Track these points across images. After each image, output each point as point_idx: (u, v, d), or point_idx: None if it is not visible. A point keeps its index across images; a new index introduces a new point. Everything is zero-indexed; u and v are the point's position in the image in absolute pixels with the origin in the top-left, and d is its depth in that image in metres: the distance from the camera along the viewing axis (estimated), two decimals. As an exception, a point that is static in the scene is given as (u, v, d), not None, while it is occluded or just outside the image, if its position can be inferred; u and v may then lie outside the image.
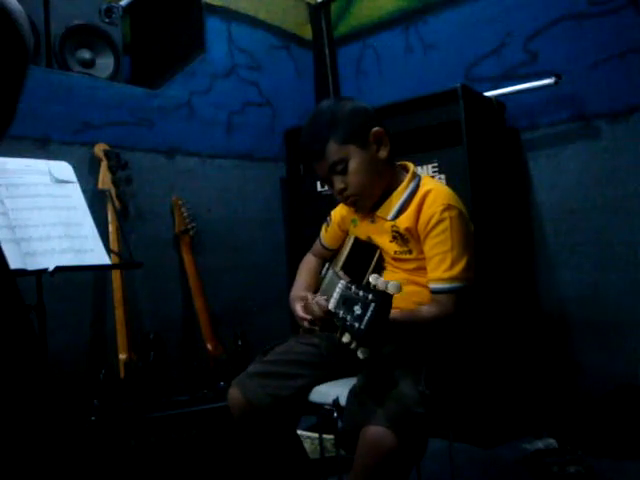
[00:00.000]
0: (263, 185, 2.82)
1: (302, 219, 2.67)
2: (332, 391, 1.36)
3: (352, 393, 1.26)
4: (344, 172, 1.36)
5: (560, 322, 2.33)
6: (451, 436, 1.56)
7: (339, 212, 1.60)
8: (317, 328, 1.39)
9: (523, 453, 2.00)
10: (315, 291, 1.58)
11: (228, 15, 2.73)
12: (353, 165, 1.35)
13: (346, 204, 1.46)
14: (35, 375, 0.67)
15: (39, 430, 0.66)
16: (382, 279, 1.00)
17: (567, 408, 2.20)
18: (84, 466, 0.73)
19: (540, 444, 2.06)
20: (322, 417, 1.69)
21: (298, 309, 1.45)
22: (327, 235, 1.65)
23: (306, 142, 1.41)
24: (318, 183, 2.60)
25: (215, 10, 2.67)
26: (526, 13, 2.37)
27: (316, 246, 1.70)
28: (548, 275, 2.36)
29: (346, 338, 1.01)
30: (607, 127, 2.20)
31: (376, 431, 1.12)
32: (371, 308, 0.95)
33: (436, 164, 2.17)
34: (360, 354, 0.99)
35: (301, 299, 1.47)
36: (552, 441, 2.07)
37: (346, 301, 1.02)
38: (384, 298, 0.96)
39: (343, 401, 1.28)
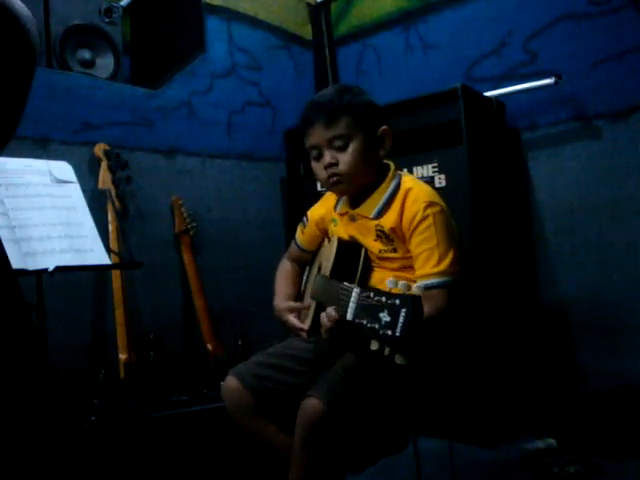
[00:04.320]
0: (263, 185, 2.82)
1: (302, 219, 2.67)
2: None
3: None
4: (341, 149, 1.34)
5: (560, 322, 2.32)
6: (451, 436, 1.56)
7: (317, 211, 1.58)
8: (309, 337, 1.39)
9: (523, 453, 2.00)
10: (297, 296, 1.57)
11: (228, 15, 2.73)
12: (354, 146, 1.34)
13: (327, 182, 1.40)
14: (36, 374, 0.67)
15: (39, 430, 0.66)
16: (402, 282, 0.98)
17: (567, 408, 2.20)
18: (84, 466, 0.73)
19: (540, 444, 2.06)
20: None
21: (292, 320, 1.43)
22: (304, 236, 1.62)
23: (320, 104, 1.37)
24: (318, 183, 2.60)
25: (215, 10, 2.67)
26: (526, 13, 2.37)
27: (292, 249, 1.67)
28: (548, 275, 2.36)
29: (374, 346, 0.98)
30: (607, 127, 2.20)
31: (308, 398, 1.22)
32: (403, 313, 0.92)
33: (436, 164, 2.17)
34: (398, 360, 0.96)
35: (290, 310, 1.46)
36: (552, 441, 2.07)
37: (367, 309, 1.00)
38: (414, 301, 0.93)
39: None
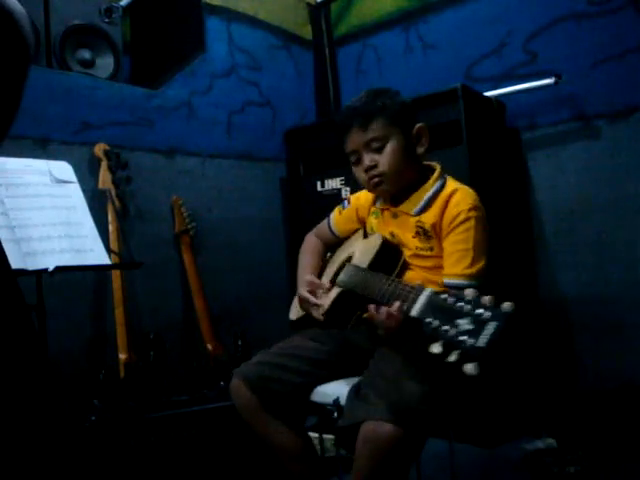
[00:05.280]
0: (263, 185, 2.82)
1: (302, 219, 2.67)
2: (332, 391, 1.36)
3: (352, 390, 1.26)
4: (379, 150, 1.36)
5: (560, 322, 2.32)
6: (451, 436, 1.56)
7: (363, 197, 1.57)
8: (322, 318, 1.38)
9: (523, 453, 2.00)
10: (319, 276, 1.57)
11: (228, 15, 2.73)
12: (392, 146, 1.36)
13: (369, 184, 1.41)
14: (36, 374, 0.67)
15: (39, 430, 0.66)
16: (488, 297, 0.97)
17: (567, 408, 2.20)
18: (84, 466, 0.73)
19: (540, 444, 2.06)
20: (322, 417, 1.69)
21: (306, 294, 1.43)
22: (340, 219, 1.61)
23: (353, 109, 1.40)
24: (318, 183, 2.60)
25: (215, 10, 2.67)
26: (526, 13, 2.37)
27: (322, 230, 1.66)
28: (548, 275, 2.36)
29: (437, 349, 0.97)
30: (607, 127, 2.20)
31: (374, 425, 1.13)
32: (492, 327, 0.93)
33: (436, 164, 2.17)
34: (471, 369, 0.94)
35: (309, 284, 1.46)
36: (552, 441, 2.07)
37: (441, 311, 1.00)
38: (508, 320, 0.93)
39: (343, 401, 1.28)
